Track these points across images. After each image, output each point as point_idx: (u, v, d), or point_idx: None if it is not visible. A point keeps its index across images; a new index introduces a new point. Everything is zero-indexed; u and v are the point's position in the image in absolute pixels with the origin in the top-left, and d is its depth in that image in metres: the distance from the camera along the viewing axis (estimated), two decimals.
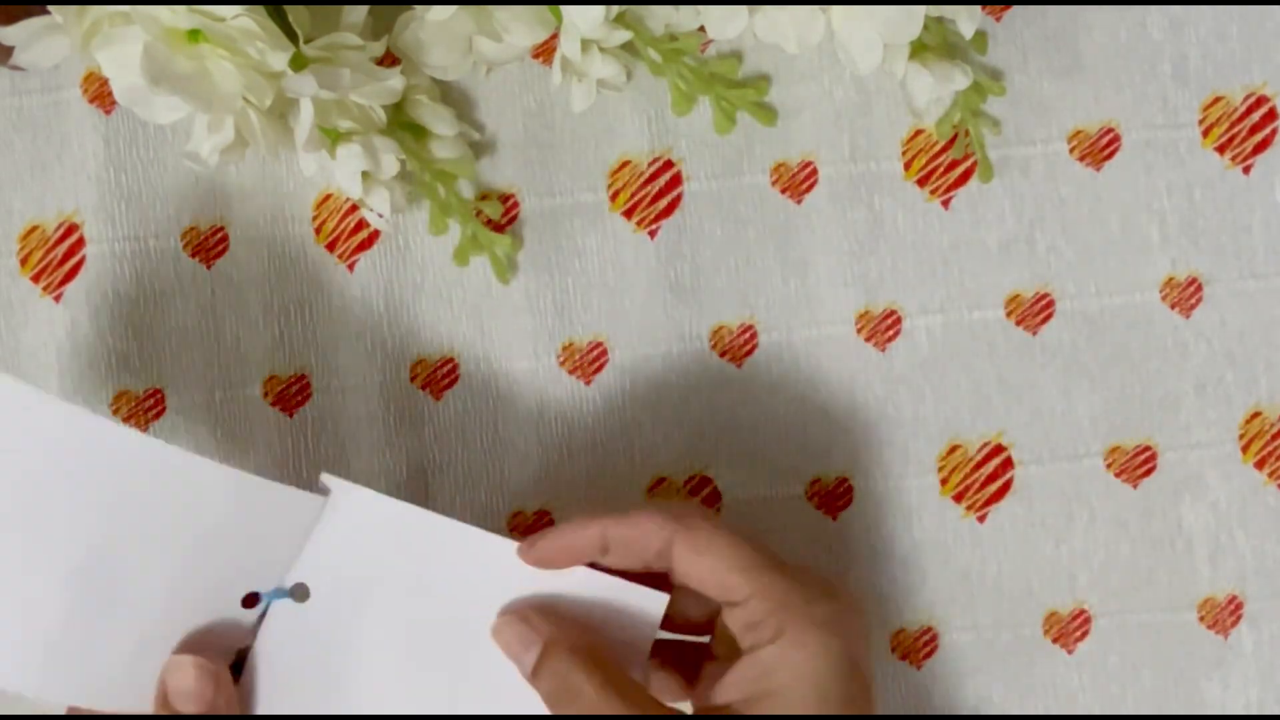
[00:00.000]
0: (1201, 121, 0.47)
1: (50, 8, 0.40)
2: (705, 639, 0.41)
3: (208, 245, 0.46)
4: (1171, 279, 0.47)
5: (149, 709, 0.38)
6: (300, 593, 0.40)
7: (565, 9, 0.42)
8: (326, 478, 0.39)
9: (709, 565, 0.38)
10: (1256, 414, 0.47)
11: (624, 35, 0.43)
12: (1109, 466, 0.47)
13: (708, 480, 0.47)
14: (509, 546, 0.40)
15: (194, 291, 0.46)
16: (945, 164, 0.47)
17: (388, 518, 0.39)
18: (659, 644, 0.40)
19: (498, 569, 0.40)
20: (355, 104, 0.42)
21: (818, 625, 0.37)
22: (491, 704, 0.40)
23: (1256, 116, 0.47)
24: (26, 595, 0.37)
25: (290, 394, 0.47)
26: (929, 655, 0.47)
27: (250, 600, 0.39)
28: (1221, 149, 0.47)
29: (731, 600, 0.38)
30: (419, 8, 0.43)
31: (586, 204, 0.47)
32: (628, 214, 0.47)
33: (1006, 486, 0.47)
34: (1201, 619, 0.47)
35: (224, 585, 0.39)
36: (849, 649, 0.37)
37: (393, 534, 0.40)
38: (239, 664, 0.40)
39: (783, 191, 0.47)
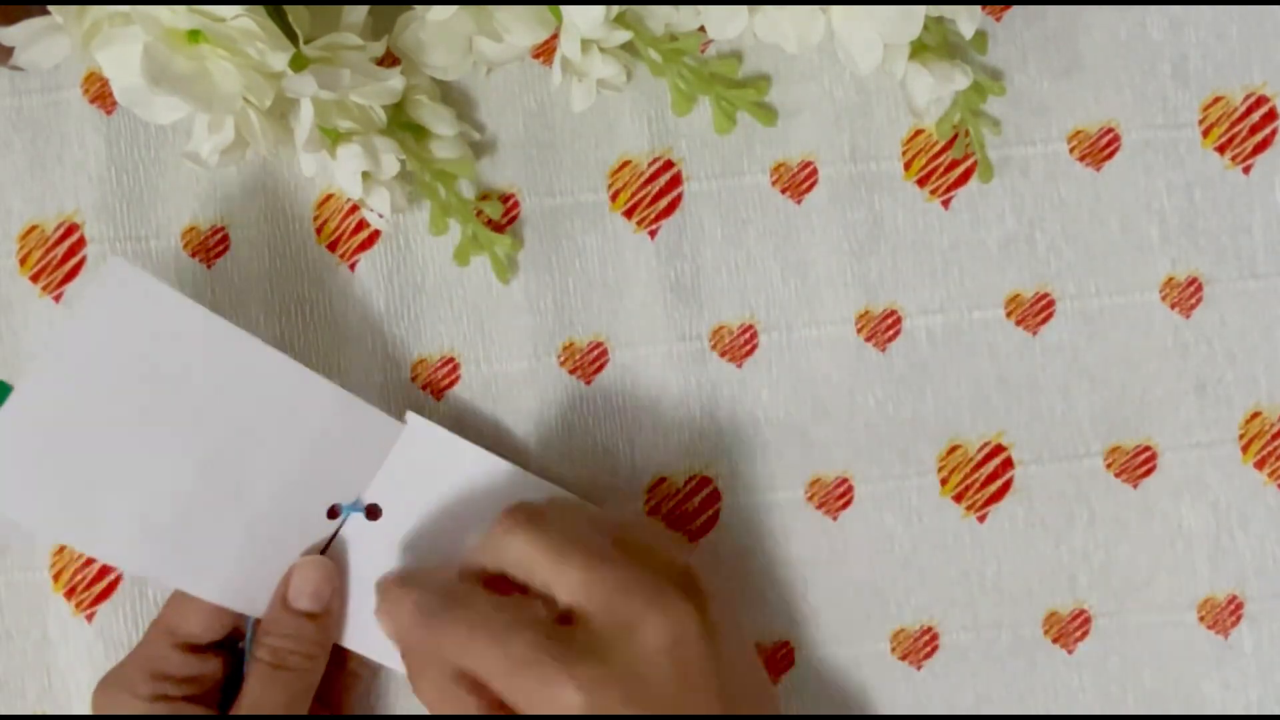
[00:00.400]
0: (1201, 121, 0.47)
1: (50, 8, 0.40)
2: None
3: (208, 245, 0.46)
4: (1171, 279, 0.47)
5: (243, 605, 0.42)
6: (374, 512, 0.44)
7: (565, 9, 0.42)
8: (410, 415, 0.44)
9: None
10: (1256, 414, 0.47)
11: (624, 35, 0.43)
12: (1109, 466, 0.47)
13: (708, 480, 0.47)
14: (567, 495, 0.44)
15: (194, 291, 0.46)
16: (945, 164, 0.47)
17: (459, 457, 0.44)
18: None
19: None
20: (355, 104, 0.42)
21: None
22: None
23: (1256, 116, 0.47)
24: (156, 483, 0.40)
25: None
26: (929, 655, 0.47)
27: (333, 512, 0.43)
28: (1221, 149, 0.47)
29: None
30: (419, 8, 0.43)
31: (586, 204, 0.47)
32: (628, 214, 0.47)
33: (1006, 486, 0.47)
34: (1201, 619, 0.47)
35: (315, 494, 0.43)
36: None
37: (461, 472, 0.44)
38: None
39: (783, 191, 0.47)
